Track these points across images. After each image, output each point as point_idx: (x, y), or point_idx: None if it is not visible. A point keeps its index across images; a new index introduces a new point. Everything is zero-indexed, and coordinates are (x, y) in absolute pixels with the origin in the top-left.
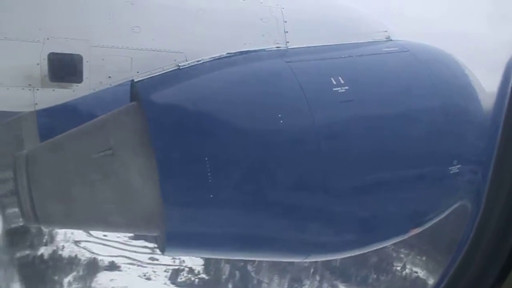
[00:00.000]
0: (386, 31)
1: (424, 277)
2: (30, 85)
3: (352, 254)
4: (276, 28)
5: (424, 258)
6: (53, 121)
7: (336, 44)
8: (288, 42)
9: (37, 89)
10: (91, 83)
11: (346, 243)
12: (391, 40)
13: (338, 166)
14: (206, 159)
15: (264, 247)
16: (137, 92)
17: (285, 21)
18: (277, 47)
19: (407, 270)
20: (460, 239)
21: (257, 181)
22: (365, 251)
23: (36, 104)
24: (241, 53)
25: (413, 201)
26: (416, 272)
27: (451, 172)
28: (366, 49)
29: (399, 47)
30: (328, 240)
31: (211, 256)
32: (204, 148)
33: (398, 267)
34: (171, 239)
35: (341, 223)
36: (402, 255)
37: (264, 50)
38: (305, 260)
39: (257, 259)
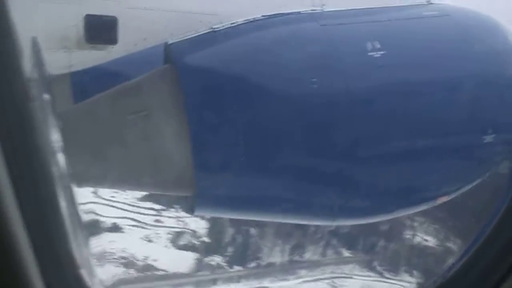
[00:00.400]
0: None
1: (434, 245)
2: (65, 46)
3: (379, 220)
4: None
5: (437, 226)
6: (87, 82)
7: (373, 8)
8: (324, 4)
9: (73, 51)
10: (126, 45)
11: (374, 208)
12: (431, 3)
13: (371, 131)
14: (239, 123)
15: (292, 210)
16: (171, 54)
17: None
18: (313, 10)
19: (418, 238)
20: (487, 219)
21: (288, 145)
22: (393, 217)
23: (71, 66)
24: (276, 15)
25: (443, 168)
26: (427, 240)
27: (485, 141)
28: (405, 12)
29: (439, 11)
30: (356, 204)
31: (240, 217)
32: (236, 112)
33: (408, 235)
34: (201, 200)
35: (370, 188)
36: (416, 224)
37: (299, 12)
38: (332, 224)
39: (284, 221)
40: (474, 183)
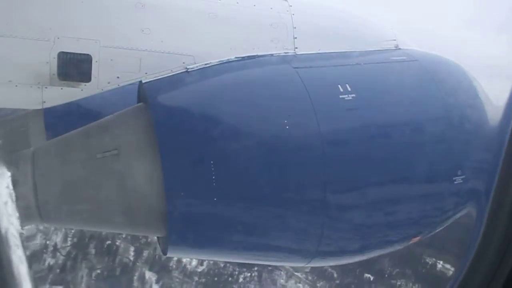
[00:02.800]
0: (395, 40)
1: None
2: (39, 83)
3: (354, 260)
4: (285, 34)
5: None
6: (60, 119)
7: (344, 51)
8: (296, 48)
9: (46, 87)
10: (99, 82)
11: (348, 250)
12: (399, 49)
13: (342, 173)
14: (211, 162)
15: (267, 251)
16: (144, 93)
17: (295, 27)
18: (286, 53)
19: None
20: (468, 242)
21: (260, 185)
22: (366, 258)
23: (44, 102)
24: (250, 57)
25: (415, 210)
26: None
27: (455, 182)
28: (374, 57)
29: (407, 56)
30: (330, 246)
31: (213, 259)
32: (209, 152)
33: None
34: (173, 241)
35: (343, 230)
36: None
37: (272, 55)
38: (308, 265)
39: (259, 263)
40: (446, 224)
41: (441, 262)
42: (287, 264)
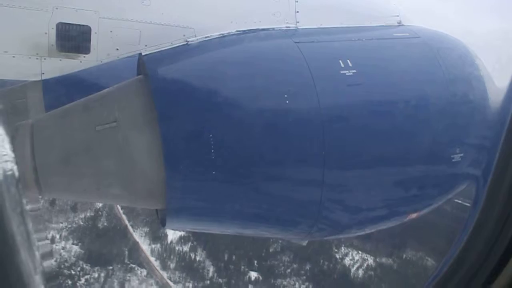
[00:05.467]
0: (398, 16)
1: None
2: (37, 54)
3: (351, 235)
4: (287, 8)
5: None
6: (59, 91)
7: (346, 27)
8: (298, 22)
9: (44, 59)
10: (99, 54)
11: (345, 223)
12: (402, 25)
13: (340, 148)
14: (210, 136)
15: (266, 223)
16: (144, 65)
17: (297, 1)
18: (287, 27)
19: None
20: (460, 230)
21: (259, 159)
22: (363, 233)
23: (43, 73)
24: (250, 31)
25: (413, 186)
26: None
27: (453, 160)
28: (377, 33)
29: (410, 32)
30: (329, 219)
31: (211, 231)
32: (208, 124)
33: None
34: (172, 214)
35: (342, 203)
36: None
37: (273, 29)
38: (307, 239)
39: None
40: (442, 201)
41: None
42: (286, 237)
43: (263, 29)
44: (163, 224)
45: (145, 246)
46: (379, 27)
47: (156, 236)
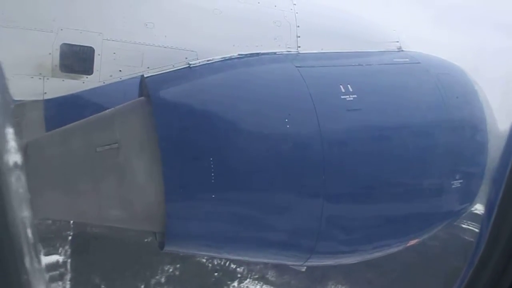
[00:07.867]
0: (397, 42)
1: None
2: (40, 74)
3: (351, 261)
4: (288, 32)
5: None
6: (60, 111)
7: (347, 52)
8: (299, 46)
9: (47, 79)
10: (101, 75)
11: (346, 249)
12: (402, 50)
13: (340, 173)
14: (211, 159)
15: (264, 248)
16: (146, 87)
17: (298, 26)
18: (288, 51)
19: None
20: (472, 251)
21: (259, 183)
22: (363, 259)
23: (45, 93)
24: (252, 55)
25: (413, 212)
26: None
27: (453, 186)
28: (377, 58)
29: (410, 58)
30: (327, 245)
31: (210, 255)
32: (209, 148)
33: None
34: (171, 237)
35: (342, 230)
36: None
37: (275, 53)
38: (305, 264)
39: (256, 260)
40: (441, 226)
41: None
42: (284, 263)
43: (264, 53)
44: (161, 247)
45: None
46: (380, 52)
47: None
